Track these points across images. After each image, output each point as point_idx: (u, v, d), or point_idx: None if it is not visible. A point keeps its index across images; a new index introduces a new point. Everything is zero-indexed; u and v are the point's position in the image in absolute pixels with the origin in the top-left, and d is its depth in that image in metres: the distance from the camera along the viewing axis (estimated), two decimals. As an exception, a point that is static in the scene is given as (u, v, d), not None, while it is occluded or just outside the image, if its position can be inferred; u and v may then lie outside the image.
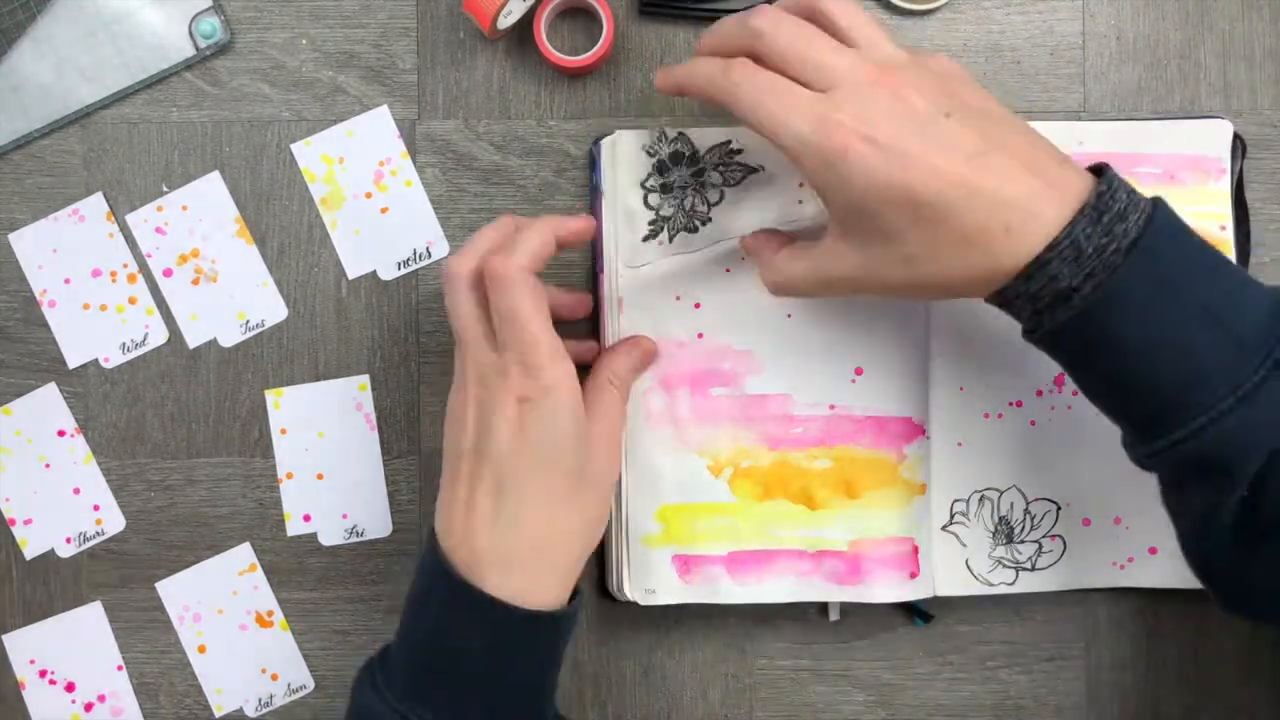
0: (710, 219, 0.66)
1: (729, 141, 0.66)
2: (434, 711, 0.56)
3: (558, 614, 0.58)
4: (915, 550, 0.65)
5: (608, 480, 0.61)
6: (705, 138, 0.66)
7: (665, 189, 0.66)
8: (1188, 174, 0.67)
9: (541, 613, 0.57)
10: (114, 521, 0.70)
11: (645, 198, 0.66)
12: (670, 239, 0.66)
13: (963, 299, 0.55)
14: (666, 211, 0.66)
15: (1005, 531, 0.67)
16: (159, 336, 0.70)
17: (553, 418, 0.56)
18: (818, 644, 0.70)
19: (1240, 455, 0.51)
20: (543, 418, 0.56)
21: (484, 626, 0.56)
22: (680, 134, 0.66)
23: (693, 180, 0.66)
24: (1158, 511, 0.67)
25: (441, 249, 0.70)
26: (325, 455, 0.70)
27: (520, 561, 0.57)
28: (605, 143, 0.67)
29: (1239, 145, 0.67)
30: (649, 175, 0.66)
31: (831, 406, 0.65)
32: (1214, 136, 0.67)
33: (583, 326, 0.69)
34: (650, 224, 0.66)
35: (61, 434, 0.70)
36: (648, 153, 0.66)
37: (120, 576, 0.70)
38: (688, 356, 0.66)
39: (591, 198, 0.69)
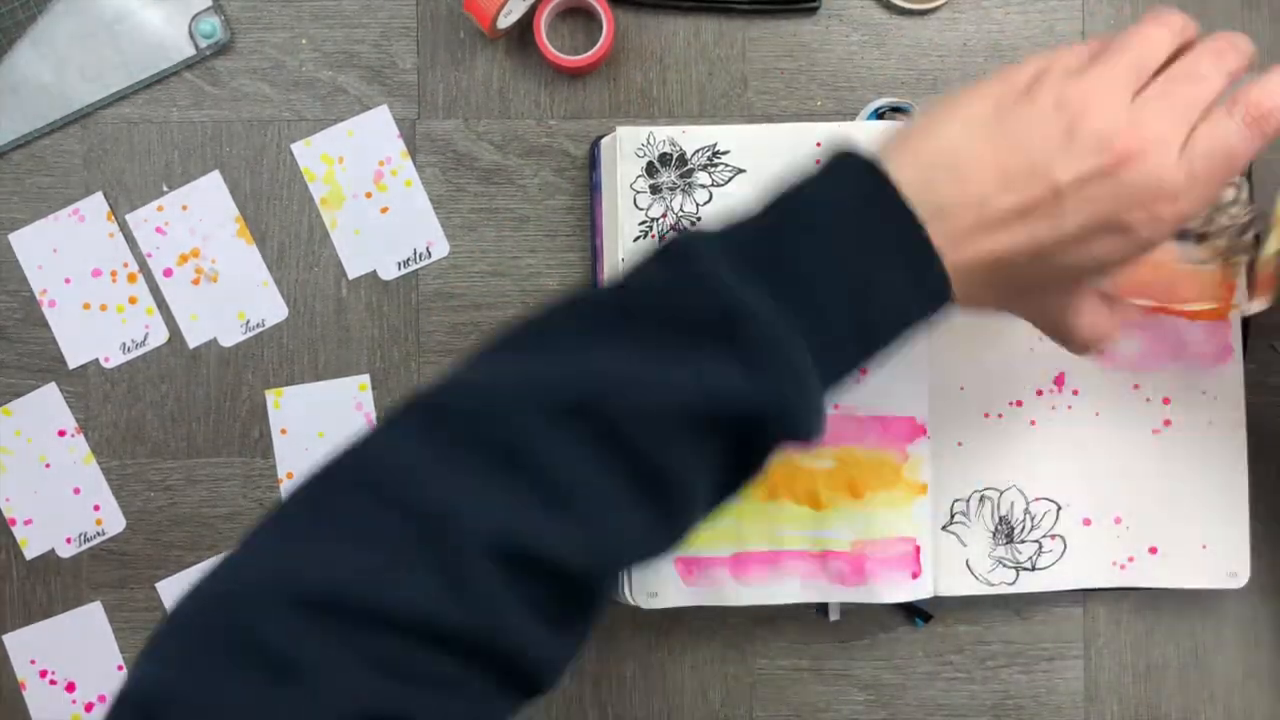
0: (699, 219, 0.66)
1: (716, 143, 0.66)
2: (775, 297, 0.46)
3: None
4: (918, 550, 0.65)
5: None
6: (693, 139, 0.66)
7: (654, 190, 0.66)
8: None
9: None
10: (114, 521, 0.70)
11: (635, 199, 0.66)
12: (660, 240, 0.66)
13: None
14: (656, 212, 0.66)
15: (1005, 531, 0.67)
16: (159, 336, 0.70)
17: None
18: (818, 644, 0.70)
19: None
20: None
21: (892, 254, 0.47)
22: (668, 136, 0.66)
23: (681, 181, 0.66)
24: (1158, 511, 0.67)
25: (442, 249, 0.70)
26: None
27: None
28: (605, 142, 0.67)
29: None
30: (638, 176, 0.66)
31: (835, 406, 0.65)
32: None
33: (583, 326, 0.69)
34: (640, 225, 0.66)
35: (62, 434, 0.70)
36: (637, 154, 0.66)
37: (120, 576, 0.70)
38: (688, 357, 0.66)
39: (591, 198, 0.69)
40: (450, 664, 0.42)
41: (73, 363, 0.70)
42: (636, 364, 0.44)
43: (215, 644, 0.42)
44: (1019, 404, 0.67)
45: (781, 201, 0.48)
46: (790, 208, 0.48)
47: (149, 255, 0.70)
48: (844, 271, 0.46)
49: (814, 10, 0.69)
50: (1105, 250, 0.48)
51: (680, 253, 0.47)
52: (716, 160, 0.66)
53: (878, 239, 0.47)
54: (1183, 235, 0.66)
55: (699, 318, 0.45)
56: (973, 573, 0.67)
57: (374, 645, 0.41)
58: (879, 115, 0.68)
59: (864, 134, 0.66)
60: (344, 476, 0.45)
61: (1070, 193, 0.47)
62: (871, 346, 0.48)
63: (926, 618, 0.70)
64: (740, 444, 0.46)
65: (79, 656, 0.70)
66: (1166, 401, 0.67)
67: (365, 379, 0.70)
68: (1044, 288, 0.51)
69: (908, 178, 0.47)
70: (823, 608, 0.70)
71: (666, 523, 0.46)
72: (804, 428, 0.46)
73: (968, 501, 0.67)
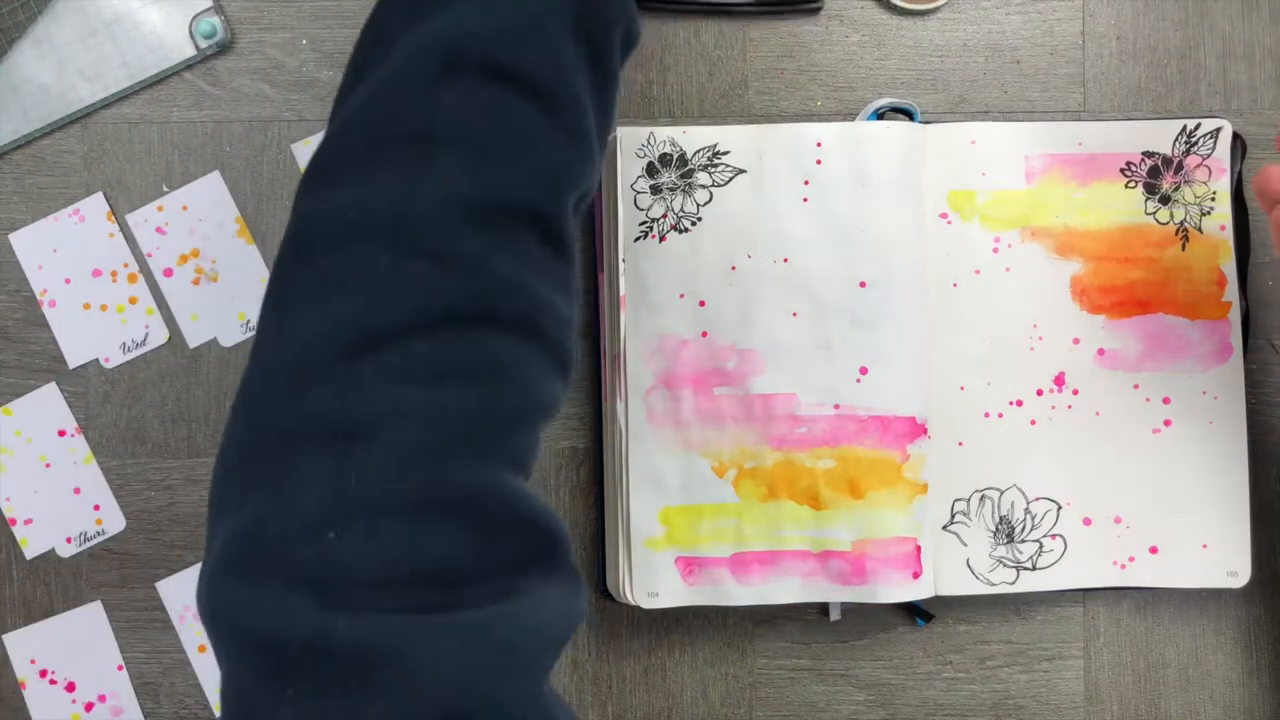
0: (700, 219, 0.66)
1: (716, 144, 0.66)
2: None
3: None
4: (918, 550, 0.65)
5: None
6: (693, 139, 0.66)
7: (655, 190, 0.66)
8: (1188, 173, 0.67)
9: None
10: (114, 521, 0.70)
11: (635, 199, 0.66)
12: (660, 239, 0.66)
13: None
14: (656, 212, 0.66)
15: (1006, 531, 0.67)
16: (159, 336, 0.70)
17: None
18: (818, 644, 0.70)
19: None
20: None
21: None
22: (669, 136, 0.66)
23: (681, 181, 0.66)
24: (1158, 511, 0.67)
25: (442, 249, 0.69)
26: (325, 455, 0.70)
27: None
28: (605, 143, 0.67)
29: (1239, 145, 0.68)
30: (639, 177, 0.66)
31: (836, 406, 0.65)
32: (1214, 136, 0.67)
33: (584, 325, 0.69)
34: (641, 225, 0.66)
35: (62, 434, 0.70)
36: (637, 155, 0.66)
37: (120, 576, 0.70)
38: (691, 355, 0.66)
39: (592, 198, 0.69)
40: (504, 341, 0.45)
41: (73, 363, 0.70)
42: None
43: None
44: (1019, 404, 0.67)
45: None
46: None
47: (149, 255, 0.70)
48: None
49: (816, 11, 0.69)
50: None
51: None
52: (717, 160, 0.66)
53: None
54: (1151, 188, 0.67)
55: None
56: (973, 572, 0.67)
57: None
58: (879, 115, 0.68)
59: (862, 134, 0.66)
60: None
61: None
62: None
63: (928, 617, 0.70)
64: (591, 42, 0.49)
65: (79, 656, 0.70)
66: (1167, 401, 0.67)
67: (365, 379, 0.70)
68: None
69: None
70: (823, 607, 0.70)
71: (574, 139, 0.49)
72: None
73: (968, 501, 0.67)
